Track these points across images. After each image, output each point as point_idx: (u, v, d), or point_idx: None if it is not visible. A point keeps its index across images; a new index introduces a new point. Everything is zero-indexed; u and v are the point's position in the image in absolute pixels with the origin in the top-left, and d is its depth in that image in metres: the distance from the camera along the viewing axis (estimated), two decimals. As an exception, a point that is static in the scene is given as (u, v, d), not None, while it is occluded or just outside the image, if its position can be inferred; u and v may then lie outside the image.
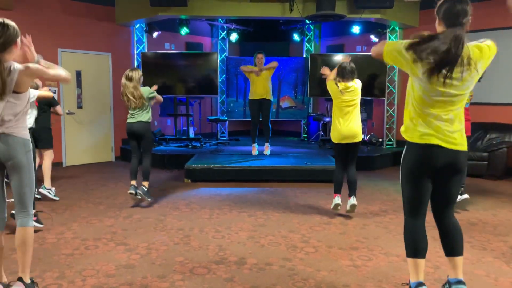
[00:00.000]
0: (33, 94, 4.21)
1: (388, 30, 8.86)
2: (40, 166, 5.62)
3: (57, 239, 3.98)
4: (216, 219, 4.64)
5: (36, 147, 5.50)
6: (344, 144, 4.56)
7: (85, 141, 8.25)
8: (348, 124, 4.49)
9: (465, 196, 4.94)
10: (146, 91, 5.08)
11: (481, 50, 2.33)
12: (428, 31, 2.40)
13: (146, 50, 8.92)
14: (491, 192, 5.97)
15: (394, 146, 9.00)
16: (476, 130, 7.13)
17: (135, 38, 8.86)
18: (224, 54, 10.27)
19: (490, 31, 7.45)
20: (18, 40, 2.60)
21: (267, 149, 7.00)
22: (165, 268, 3.31)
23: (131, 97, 4.94)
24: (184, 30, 8.97)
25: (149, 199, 5.16)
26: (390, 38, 8.89)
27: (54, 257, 3.52)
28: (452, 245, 2.49)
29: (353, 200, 4.64)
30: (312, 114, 9.83)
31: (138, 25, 8.75)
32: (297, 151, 8.20)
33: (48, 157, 5.56)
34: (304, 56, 10.17)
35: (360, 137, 4.58)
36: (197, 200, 5.47)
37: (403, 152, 2.52)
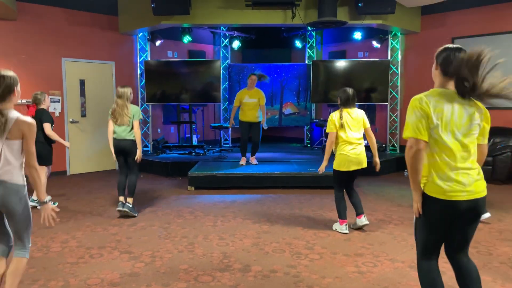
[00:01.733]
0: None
1: (390, 35, 8.88)
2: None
3: (62, 247, 3.98)
4: (220, 226, 4.63)
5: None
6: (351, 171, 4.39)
7: (89, 149, 8.28)
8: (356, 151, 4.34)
9: (487, 214, 4.67)
10: (136, 112, 4.98)
11: None
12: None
13: (149, 59, 8.97)
14: (496, 197, 5.94)
15: (398, 151, 8.98)
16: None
17: (138, 47, 8.92)
18: (227, 61, 10.31)
19: (494, 35, 7.46)
20: (16, 88, 2.63)
21: (253, 160, 7.30)
22: (170, 276, 3.30)
23: (118, 116, 4.91)
24: (186, 38, 9.02)
25: (135, 215, 5.04)
26: (392, 43, 8.91)
27: (59, 266, 3.52)
28: (468, 284, 2.38)
29: (365, 220, 4.41)
30: (315, 120, 9.84)
31: (141, 33, 8.81)
32: (300, 157, 8.19)
33: (43, 173, 5.56)
34: (306, 62, 10.20)
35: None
36: (201, 207, 5.46)
37: None
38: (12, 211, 2.61)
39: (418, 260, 2.44)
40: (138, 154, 5.02)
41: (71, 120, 7.97)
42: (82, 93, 8.14)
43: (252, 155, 7.33)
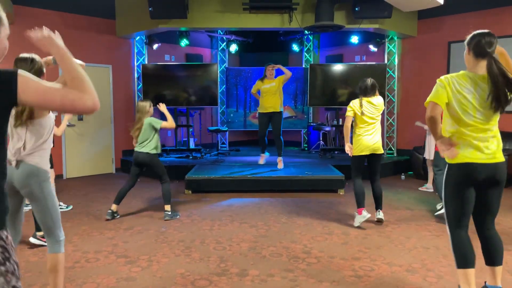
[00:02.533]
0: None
1: (386, 39, 8.92)
2: None
3: (58, 252, 3.95)
4: (217, 230, 4.62)
5: None
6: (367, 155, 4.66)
7: (85, 153, 8.25)
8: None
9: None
10: (149, 122, 5.06)
11: None
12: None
13: (146, 62, 8.97)
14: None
15: (395, 155, 9.00)
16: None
17: (135, 50, 8.92)
18: (224, 65, 10.33)
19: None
20: (44, 70, 2.80)
21: (280, 163, 6.97)
22: (166, 281, 3.29)
23: (135, 129, 5.05)
24: (184, 42, 9.03)
25: (177, 216, 5.12)
26: (388, 47, 8.95)
27: (54, 271, 3.50)
28: (493, 255, 2.67)
29: (380, 214, 4.82)
30: (312, 124, 9.85)
31: (138, 37, 8.81)
32: (298, 161, 8.18)
33: (51, 176, 5.55)
34: (303, 66, 10.23)
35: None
36: (198, 211, 5.45)
37: None
38: (32, 196, 2.58)
39: (450, 232, 2.70)
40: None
41: (67, 123, 7.93)
42: (79, 96, 8.11)
43: (279, 155, 6.89)
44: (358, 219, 4.66)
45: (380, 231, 4.55)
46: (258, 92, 6.78)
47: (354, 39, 9.18)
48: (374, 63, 8.97)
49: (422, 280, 3.30)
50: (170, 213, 5.05)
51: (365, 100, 4.57)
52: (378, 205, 4.82)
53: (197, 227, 4.72)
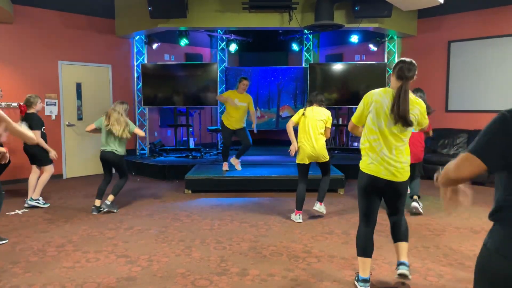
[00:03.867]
0: None
1: (386, 39, 8.91)
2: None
3: (58, 252, 3.95)
4: (217, 230, 4.62)
5: (34, 163, 5.57)
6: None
7: (85, 152, 8.24)
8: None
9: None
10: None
11: None
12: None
13: (146, 62, 8.96)
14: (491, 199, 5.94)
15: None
16: (473, 138, 7.13)
17: (135, 50, 8.91)
18: (224, 64, 10.32)
19: (491, 38, 7.50)
20: None
21: (237, 164, 6.95)
22: (167, 280, 3.28)
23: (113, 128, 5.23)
24: (183, 41, 9.02)
25: (115, 210, 5.40)
26: (388, 47, 8.94)
27: (55, 270, 3.50)
28: (397, 233, 3.14)
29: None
30: (312, 123, 9.83)
31: (137, 37, 8.80)
32: (298, 160, 8.16)
33: (48, 171, 5.59)
34: (303, 65, 10.22)
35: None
36: (198, 211, 5.44)
37: None
38: None
39: (359, 225, 3.13)
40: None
41: (67, 123, 7.94)
42: (79, 96, 8.11)
43: (237, 157, 6.92)
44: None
45: (379, 231, 4.54)
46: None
47: (354, 39, 9.17)
48: (374, 62, 8.96)
49: (422, 279, 3.30)
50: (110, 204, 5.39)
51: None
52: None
53: (197, 227, 4.71)
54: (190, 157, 8.53)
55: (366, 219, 3.04)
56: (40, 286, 3.20)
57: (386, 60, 8.94)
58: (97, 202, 5.37)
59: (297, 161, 5.00)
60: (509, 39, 7.26)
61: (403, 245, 3.12)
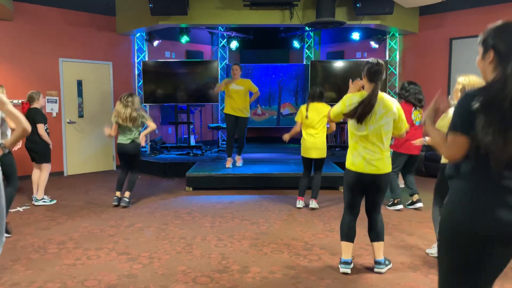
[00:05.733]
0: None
1: (388, 36, 8.88)
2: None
3: (59, 249, 3.95)
4: (218, 227, 4.62)
5: (34, 161, 5.58)
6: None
7: (86, 150, 8.24)
8: None
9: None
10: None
11: None
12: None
13: (146, 59, 8.94)
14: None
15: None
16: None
17: (136, 47, 8.89)
18: (225, 61, 10.30)
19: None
20: None
21: (239, 161, 7.00)
22: (168, 278, 3.28)
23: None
24: (184, 39, 8.99)
25: (128, 206, 5.51)
26: (390, 44, 8.91)
27: (56, 268, 3.50)
28: (374, 233, 3.34)
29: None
30: (313, 121, 9.82)
31: (138, 34, 8.78)
32: (299, 158, 8.13)
33: (46, 170, 5.60)
34: (304, 63, 10.20)
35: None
36: (199, 208, 5.44)
37: None
38: None
39: (343, 214, 3.47)
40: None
41: (68, 120, 7.93)
42: (80, 93, 8.10)
43: (238, 154, 6.98)
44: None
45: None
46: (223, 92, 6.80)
47: (355, 36, 9.14)
48: (375, 59, 8.93)
49: (424, 277, 3.29)
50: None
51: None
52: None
53: (198, 224, 4.71)
54: (191, 154, 8.52)
55: (350, 210, 3.36)
56: (41, 283, 3.20)
57: (387, 58, 8.91)
58: (118, 194, 5.56)
59: (301, 154, 5.41)
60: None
61: (377, 245, 3.33)
